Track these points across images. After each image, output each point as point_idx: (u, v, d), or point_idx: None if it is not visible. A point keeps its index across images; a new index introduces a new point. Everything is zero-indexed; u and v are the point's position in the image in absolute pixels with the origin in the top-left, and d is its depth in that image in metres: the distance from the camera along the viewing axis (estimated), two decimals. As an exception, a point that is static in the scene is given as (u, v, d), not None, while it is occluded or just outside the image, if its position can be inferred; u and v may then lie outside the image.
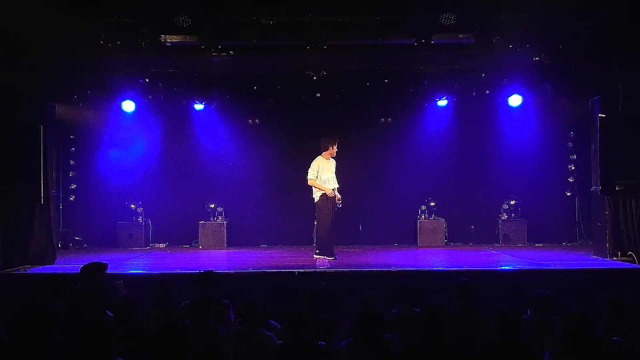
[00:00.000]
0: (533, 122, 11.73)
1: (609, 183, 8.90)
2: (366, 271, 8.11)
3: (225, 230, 11.83)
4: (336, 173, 9.50)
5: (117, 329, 4.62)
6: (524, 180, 11.76)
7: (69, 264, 8.89)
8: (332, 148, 9.39)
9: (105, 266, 6.21)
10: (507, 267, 8.73)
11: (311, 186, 9.41)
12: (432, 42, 9.11)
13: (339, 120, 11.57)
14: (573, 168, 11.93)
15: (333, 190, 9.31)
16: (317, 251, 9.41)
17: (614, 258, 8.99)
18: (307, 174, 9.40)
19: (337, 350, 4.59)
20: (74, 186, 12.01)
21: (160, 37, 8.97)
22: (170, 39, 9.00)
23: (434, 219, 11.70)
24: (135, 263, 9.78)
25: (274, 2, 8.64)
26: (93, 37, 8.87)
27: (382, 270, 8.07)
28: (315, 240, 11.51)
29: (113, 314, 5.23)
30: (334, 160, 9.48)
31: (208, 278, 6.15)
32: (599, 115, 9.03)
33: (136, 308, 5.15)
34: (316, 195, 9.37)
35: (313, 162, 9.43)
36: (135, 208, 11.84)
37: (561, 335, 4.44)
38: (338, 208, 9.37)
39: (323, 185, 9.29)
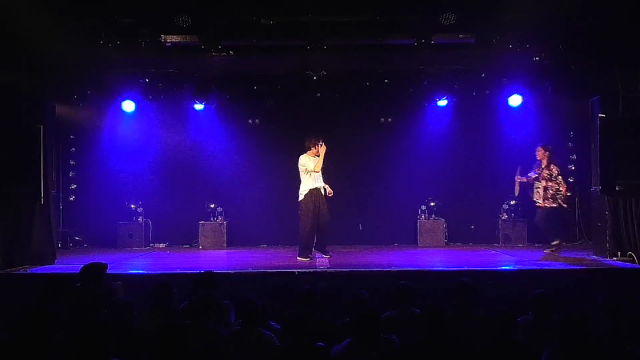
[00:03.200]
0: (533, 122, 11.73)
1: (609, 183, 8.89)
2: (366, 271, 8.11)
3: (225, 230, 11.83)
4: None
5: (114, 329, 4.62)
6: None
7: (69, 264, 8.89)
8: (315, 148, 9.44)
9: (105, 266, 6.21)
10: (507, 267, 8.72)
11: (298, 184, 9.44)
12: (432, 42, 9.10)
13: (339, 120, 11.57)
14: (573, 168, 11.92)
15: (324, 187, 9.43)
16: (299, 252, 9.43)
17: (614, 258, 8.98)
18: (305, 167, 9.37)
19: (337, 351, 4.58)
20: (74, 186, 12.01)
21: (160, 37, 8.97)
22: (170, 39, 8.99)
23: (434, 219, 11.70)
24: (135, 263, 9.77)
25: (274, 2, 8.64)
26: (93, 37, 8.87)
27: (382, 270, 8.07)
28: (315, 239, 11.54)
29: (107, 315, 5.23)
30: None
31: (207, 279, 6.15)
32: (599, 115, 9.03)
33: (130, 311, 5.15)
34: (301, 194, 9.42)
35: (302, 158, 9.48)
36: (135, 208, 11.84)
37: (557, 336, 4.44)
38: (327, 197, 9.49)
39: (311, 182, 9.36)
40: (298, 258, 9.34)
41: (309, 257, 9.32)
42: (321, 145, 9.42)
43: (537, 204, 9.87)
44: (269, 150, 11.82)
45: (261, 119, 12.00)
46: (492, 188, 11.94)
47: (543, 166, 9.83)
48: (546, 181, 9.73)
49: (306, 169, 9.36)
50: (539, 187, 9.79)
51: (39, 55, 8.78)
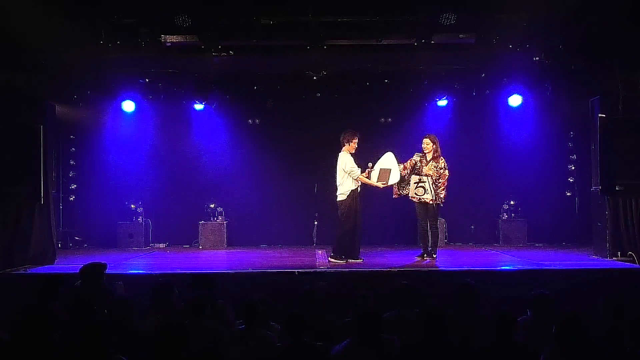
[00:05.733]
0: (533, 122, 11.75)
1: (609, 183, 8.90)
2: (366, 271, 8.11)
3: (225, 230, 11.83)
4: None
5: (114, 328, 4.62)
6: (524, 180, 11.76)
7: (69, 264, 8.90)
8: (354, 142, 8.98)
9: (104, 266, 6.21)
10: (507, 267, 8.73)
11: (338, 185, 8.93)
12: (432, 42, 9.11)
13: (339, 120, 11.52)
14: (573, 168, 11.94)
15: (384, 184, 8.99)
16: (332, 254, 9.01)
17: (614, 258, 8.99)
18: (349, 170, 8.80)
19: (337, 351, 4.58)
20: (74, 186, 12.02)
21: (160, 37, 8.98)
22: (170, 39, 9.00)
23: (434, 219, 11.68)
24: (135, 263, 9.77)
25: (274, 2, 8.64)
26: (93, 37, 8.87)
27: (382, 270, 8.06)
28: (315, 239, 11.54)
29: (109, 314, 5.24)
30: None
31: (202, 279, 6.15)
32: (599, 115, 9.04)
33: (131, 309, 5.15)
34: (342, 192, 8.91)
35: (344, 157, 8.90)
36: (135, 208, 11.84)
37: (555, 335, 4.44)
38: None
39: (352, 182, 8.87)
40: (330, 259, 8.97)
41: (342, 259, 8.88)
42: (357, 139, 8.97)
43: (423, 199, 8.97)
44: (268, 150, 11.82)
45: (261, 119, 12.00)
46: (492, 188, 11.96)
47: (429, 159, 8.99)
48: (434, 176, 8.91)
49: (344, 170, 8.84)
50: (424, 183, 8.91)
51: (39, 55, 8.78)
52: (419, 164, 9.05)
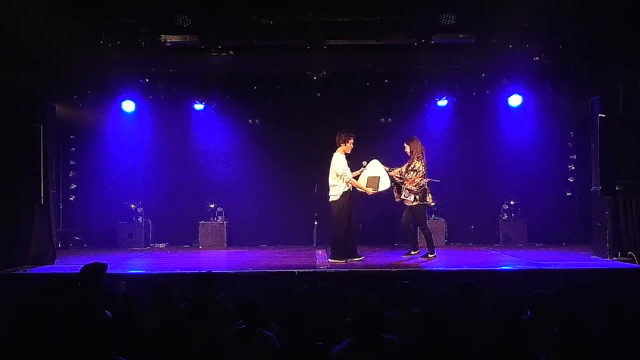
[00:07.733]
0: (533, 122, 11.75)
1: (609, 183, 8.91)
2: (366, 271, 8.11)
3: (225, 230, 11.83)
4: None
5: (116, 328, 4.63)
6: (524, 180, 11.76)
7: (69, 264, 8.90)
8: (349, 143, 8.99)
9: (105, 266, 6.21)
10: (507, 267, 8.73)
11: (331, 185, 8.96)
12: (432, 42, 9.12)
13: (339, 120, 11.53)
14: (573, 168, 11.93)
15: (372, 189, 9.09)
16: (332, 254, 9.05)
17: (614, 258, 8.99)
18: (341, 173, 8.86)
19: (337, 351, 4.58)
20: (74, 186, 12.01)
21: (160, 37, 8.98)
22: (170, 39, 9.00)
23: (434, 219, 11.68)
24: (135, 263, 9.77)
25: (274, 2, 8.65)
26: (93, 37, 8.89)
27: (382, 270, 8.07)
28: (315, 239, 11.53)
29: (112, 312, 5.24)
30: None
31: (205, 279, 6.15)
32: (599, 115, 9.04)
33: (136, 306, 5.16)
34: (335, 194, 8.94)
35: (338, 158, 8.95)
36: (135, 208, 11.84)
37: (555, 335, 4.44)
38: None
39: (344, 184, 8.91)
40: (330, 260, 8.97)
41: (343, 259, 8.89)
42: (352, 141, 8.97)
43: (406, 201, 9.20)
44: (269, 150, 11.83)
45: (261, 119, 12.00)
46: (492, 188, 11.95)
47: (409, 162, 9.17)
48: (397, 180, 9.19)
49: (336, 173, 8.88)
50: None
51: (39, 55, 8.78)
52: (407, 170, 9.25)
